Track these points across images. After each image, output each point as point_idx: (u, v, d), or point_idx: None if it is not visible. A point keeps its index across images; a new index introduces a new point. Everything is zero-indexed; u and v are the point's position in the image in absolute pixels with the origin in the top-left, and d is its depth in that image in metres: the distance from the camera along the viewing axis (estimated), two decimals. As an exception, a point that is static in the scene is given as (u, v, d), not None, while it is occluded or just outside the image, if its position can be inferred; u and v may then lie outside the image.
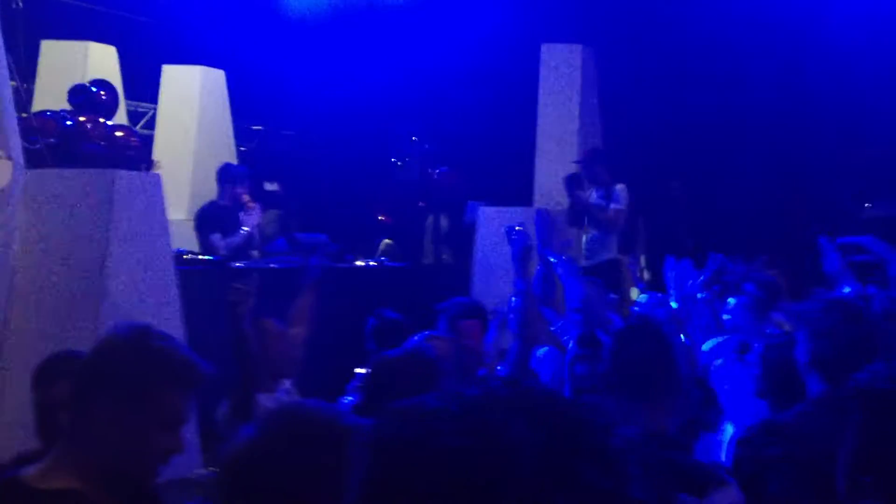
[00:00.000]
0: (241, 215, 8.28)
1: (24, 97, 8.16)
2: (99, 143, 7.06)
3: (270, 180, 11.28)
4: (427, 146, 11.30)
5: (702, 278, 4.59)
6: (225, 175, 8.46)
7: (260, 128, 12.31)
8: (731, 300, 5.20)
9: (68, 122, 6.99)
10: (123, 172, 5.84)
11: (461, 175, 11.01)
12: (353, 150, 12.17)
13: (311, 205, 11.71)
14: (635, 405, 2.88)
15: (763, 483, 2.81)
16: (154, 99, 10.11)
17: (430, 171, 10.97)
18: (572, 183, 8.70)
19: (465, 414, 1.02)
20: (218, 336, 3.74)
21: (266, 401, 3.77)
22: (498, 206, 9.14)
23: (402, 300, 6.19)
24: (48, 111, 7.27)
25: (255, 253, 8.51)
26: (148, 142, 9.31)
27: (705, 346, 4.11)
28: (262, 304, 4.56)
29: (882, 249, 4.15)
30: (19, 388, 4.75)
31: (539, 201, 9.34)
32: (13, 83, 6.52)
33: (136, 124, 10.15)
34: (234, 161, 9.67)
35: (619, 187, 8.68)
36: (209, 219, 8.25)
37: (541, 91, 9.56)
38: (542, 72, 9.57)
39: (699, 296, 4.63)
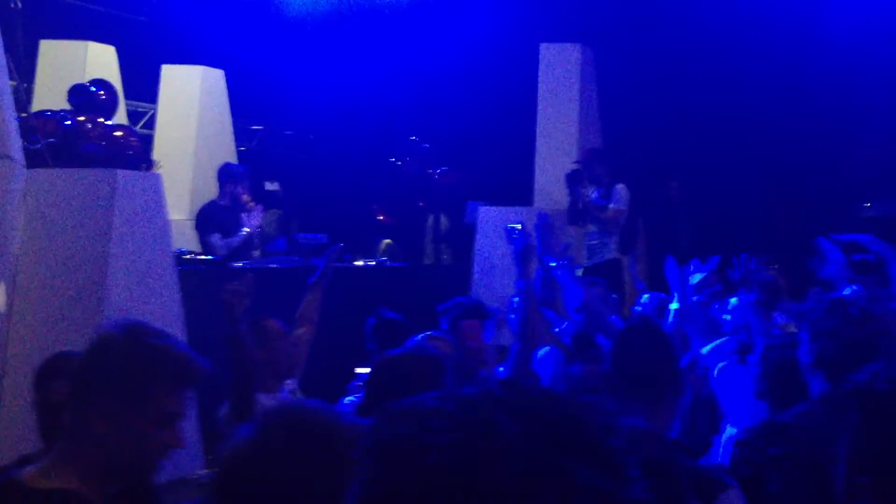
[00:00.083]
0: (244, 216, 8.27)
1: (23, 97, 8.17)
2: (99, 142, 7.05)
3: (270, 180, 11.28)
4: (426, 146, 11.28)
5: (695, 280, 4.58)
6: (225, 174, 8.47)
7: (259, 127, 12.31)
8: (734, 300, 5.20)
9: (68, 122, 6.99)
10: (123, 172, 5.83)
11: (461, 175, 11.00)
12: (352, 150, 12.17)
13: (310, 205, 11.71)
14: (636, 405, 2.89)
15: (763, 483, 2.82)
16: (153, 99, 10.11)
17: (429, 170, 10.96)
18: (574, 180, 8.71)
19: (459, 413, 1.02)
20: (218, 336, 3.73)
21: (268, 401, 3.76)
22: (497, 205, 9.14)
23: (402, 300, 6.19)
24: (48, 111, 7.27)
25: (256, 253, 8.52)
26: (147, 142, 9.31)
27: (704, 350, 4.11)
28: (262, 303, 4.56)
29: (881, 248, 4.15)
30: (20, 387, 4.75)
31: (538, 201, 9.34)
32: (13, 83, 6.52)
33: (135, 124, 10.14)
34: (234, 161, 9.67)
35: (619, 187, 8.68)
36: (209, 219, 8.26)
37: (540, 91, 9.56)
38: (541, 71, 9.57)
39: (694, 298, 4.62)
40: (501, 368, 4.70)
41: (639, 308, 5.80)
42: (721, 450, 3.78)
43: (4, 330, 5.36)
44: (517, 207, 8.95)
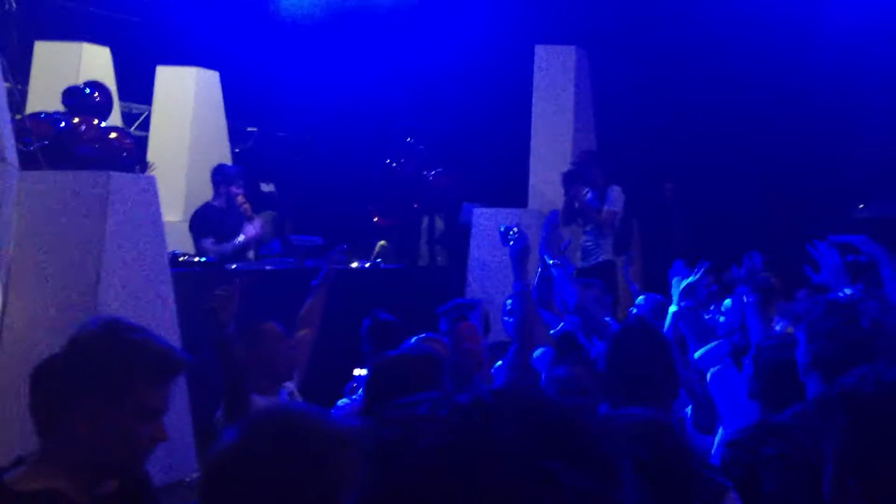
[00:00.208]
0: (248, 226, 8.23)
1: (17, 98, 8.14)
2: (93, 144, 7.04)
3: (265, 182, 11.28)
4: (421, 147, 11.29)
5: (683, 285, 4.58)
6: (219, 175, 8.45)
7: (254, 129, 12.31)
8: (728, 302, 5.21)
9: (62, 124, 6.97)
10: (118, 174, 5.82)
11: (456, 176, 11.01)
12: (347, 152, 12.17)
13: (305, 206, 11.71)
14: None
15: (755, 484, 2.82)
16: (148, 100, 10.10)
17: (424, 172, 10.96)
18: (570, 180, 8.72)
19: (451, 418, 1.03)
20: (212, 338, 3.72)
21: (266, 403, 3.76)
22: (492, 207, 9.15)
23: (397, 302, 6.19)
24: (42, 113, 7.26)
25: (251, 254, 8.51)
26: (142, 143, 9.30)
27: (697, 354, 4.11)
28: (256, 305, 4.55)
29: (873, 249, 4.15)
30: (15, 390, 4.74)
31: (533, 202, 9.36)
32: (7, 84, 6.50)
33: (130, 126, 10.14)
34: (229, 162, 9.66)
35: (614, 189, 8.70)
36: (201, 222, 8.24)
37: (535, 92, 9.58)
38: (536, 73, 9.59)
39: (682, 303, 4.62)
40: (500, 363, 4.71)
41: (634, 310, 5.81)
42: (713, 451, 3.79)
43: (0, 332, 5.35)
44: (512, 209, 8.96)
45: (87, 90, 7.67)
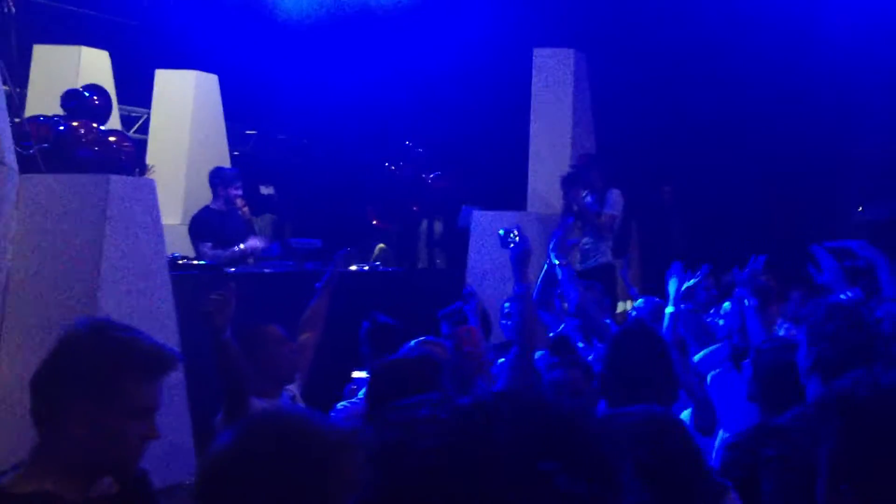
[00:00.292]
0: (251, 237, 8.20)
1: (16, 102, 8.14)
2: (92, 148, 7.04)
3: (264, 185, 11.28)
4: (420, 150, 11.30)
5: (683, 288, 4.59)
6: (216, 178, 8.44)
7: (253, 132, 12.31)
8: (727, 304, 5.21)
9: (61, 128, 6.97)
10: (117, 177, 5.82)
11: (455, 179, 11.01)
12: (346, 155, 12.18)
13: (304, 209, 11.71)
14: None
15: (754, 486, 2.82)
16: (147, 104, 10.10)
17: (423, 175, 10.97)
18: (569, 183, 8.73)
19: (452, 421, 1.03)
20: (210, 342, 3.72)
21: (264, 407, 3.76)
22: (491, 210, 9.15)
23: (396, 304, 6.19)
24: (41, 116, 7.25)
25: (250, 259, 8.49)
26: (141, 147, 9.30)
27: (697, 357, 4.12)
28: (256, 308, 4.55)
29: (871, 254, 4.16)
30: (14, 394, 4.74)
31: (532, 205, 9.36)
32: (6, 88, 6.51)
33: (129, 129, 10.14)
34: (228, 166, 9.66)
35: (613, 192, 8.71)
36: (200, 226, 8.23)
37: (533, 95, 9.58)
38: (535, 76, 9.60)
39: (682, 306, 4.64)
40: (502, 360, 4.71)
41: (633, 312, 5.81)
42: (714, 453, 3.79)
43: (-3, 336, 5.35)
44: (511, 212, 8.97)
45: (86, 93, 7.67)
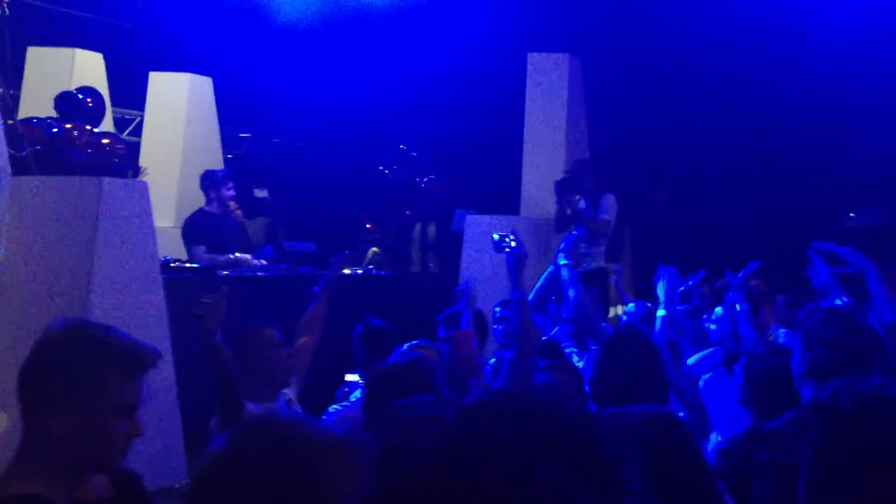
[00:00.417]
0: (252, 257, 8.16)
1: (10, 104, 8.13)
2: (85, 150, 7.03)
3: (258, 188, 11.27)
4: (414, 154, 11.31)
5: (681, 290, 4.61)
6: (207, 181, 8.42)
7: (247, 135, 12.30)
8: (719, 309, 5.22)
9: (55, 130, 6.97)
10: (109, 180, 5.81)
11: (448, 183, 11.02)
12: (340, 158, 12.18)
13: (298, 212, 11.70)
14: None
15: (748, 491, 2.83)
16: (141, 106, 10.09)
17: (417, 179, 10.98)
18: (563, 188, 8.74)
19: (456, 420, 1.03)
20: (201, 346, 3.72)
21: (263, 411, 3.75)
22: (485, 214, 9.16)
23: (389, 308, 6.19)
24: (34, 118, 7.25)
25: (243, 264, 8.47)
26: (134, 149, 9.28)
27: (691, 360, 4.13)
28: (248, 311, 4.55)
29: (859, 261, 4.17)
30: (5, 396, 4.72)
31: (525, 209, 9.37)
32: (-1, 90, 6.50)
33: (122, 131, 10.13)
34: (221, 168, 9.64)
35: (607, 198, 8.71)
36: (194, 229, 8.21)
37: (528, 100, 9.60)
38: (529, 81, 9.61)
39: (679, 308, 4.65)
40: (493, 360, 4.71)
41: (624, 317, 5.82)
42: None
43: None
44: (504, 216, 8.98)
45: (80, 96, 7.66)
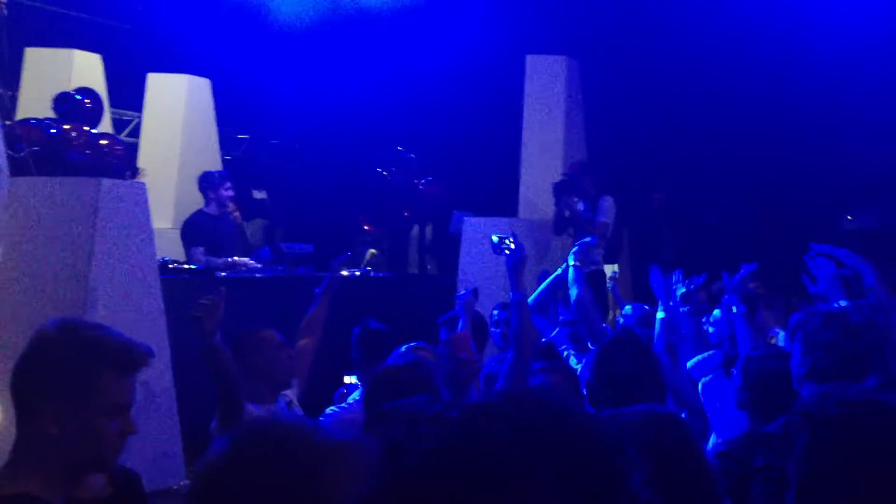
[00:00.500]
0: (250, 259, 8.15)
1: (8, 105, 8.14)
2: (83, 151, 7.03)
3: (257, 189, 11.27)
4: (412, 156, 11.31)
5: (682, 291, 4.61)
6: (205, 182, 8.42)
7: (246, 136, 12.30)
8: (717, 312, 5.23)
9: (53, 131, 6.96)
10: (108, 181, 5.81)
11: (446, 185, 11.02)
12: (338, 160, 12.17)
13: (296, 214, 11.70)
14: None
15: (745, 493, 2.83)
16: (139, 107, 10.08)
17: (415, 180, 10.98)
18: (561, 190, 8.74)
19: (454, 420, 1.03)
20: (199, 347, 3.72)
21: (263, 412, 3.75)
22: (483, 216, 9.16)
23: (387, 310, 6.19)
24: (32, 119, 7.24)
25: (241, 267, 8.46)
26: (132, 150, 9.28)
27: (690, 363, 4.12)
28: (245, 312, 4.55)
29: (856, 262, 4.17)
30: (2, 397, 4.71)
31: (523, 211, 9.38)
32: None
33: (120, 132, 10.12)
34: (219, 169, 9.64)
35: (606, 200, 8.72)
36: (192, 231, 8.21)
37: (526, 102, 9.61)
38: (527, 83, 9.62)
39: (681, 309, 4.65)
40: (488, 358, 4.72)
41: (621, 319, 5.83)
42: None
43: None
44: (502, 218, 8.98)
45: (78, 97, 7.66)
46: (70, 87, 8.24)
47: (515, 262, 4.03)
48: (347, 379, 5.18)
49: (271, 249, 8.73)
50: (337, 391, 5.14)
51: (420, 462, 1.00)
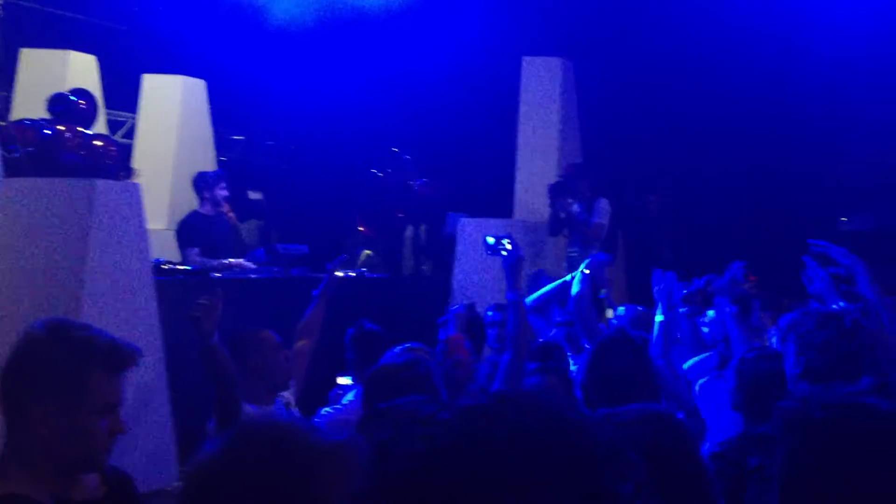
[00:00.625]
0: (245, 261, 8.14)
1: (2, 105, 8.13)
2: (78, 152, 7.02)
3: (252, 190, 11.26)
4: (408, 157, 11.31)
5: (684, 292, 4.62)
6: (200, 183, 8.40)
7: (241, 138, 12.29)
8: (711, 313, 5.22)
9: (47, 131, 6.95)
10: (102, 181, 5.81)
11: (442, 186, 11.03)
12: (333, 161, 12.17)
13: (291, 215, 11.69)
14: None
15: (739, 494, 2.83)
16: (134, 108, 10.07)
17: (410, 182, 10.98)
18: (556, 192, 8.75)
19: (449, 420, 1.03)
20: (197, 347, 3.71)
21: (260, 413, 3.75)
22: (478, 217, 9.17)
23: (381, 311, 6.18)
24: (27, 120, 7.23)
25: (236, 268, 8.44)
26: (127, 151, 9.26)
27: (686, 365, 4.13)
28: (241, 313, 4.54)
29: (851, 262, 4.17)
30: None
31: (519, 213, 9.38)
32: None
33: (115, 133, 10.11)
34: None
35: (601, 202, 8.73)
36: (187, 231, 8.19)
37: (521, 103, 9.61)
38: (523, 84, 9.62)
39: (681, 310, 4.66)
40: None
41: (615, 320, 5.83)
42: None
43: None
44: (497, 219, 8.98)
45: (73, 97, 7.64)
46: (65, 87, 8.22)
47: (512, 263, 4.03)
48: (342, 380, 5.18)
49: (266, 250, 8.72)
50: (332, 392, 5.14)
51: (410, 465, 1.00)
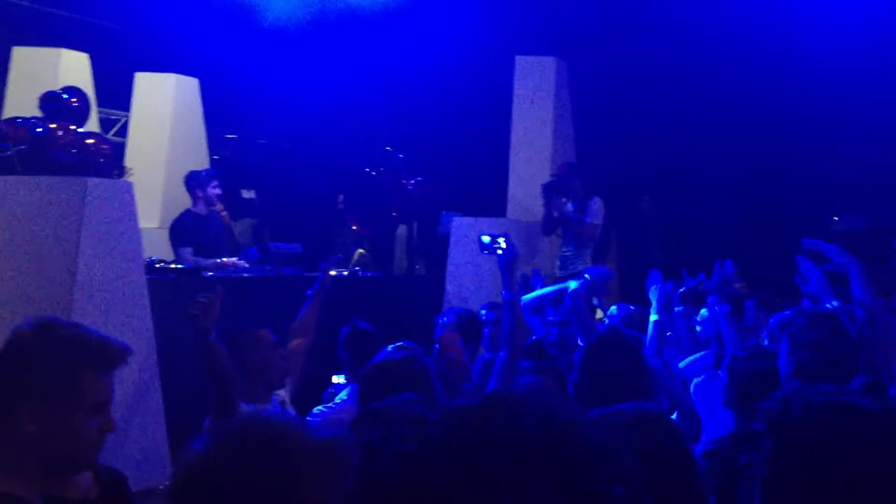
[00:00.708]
0: (238, 260, 8.12)
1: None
2: (70, 150, 6.98)
3: (245, 188, 11.24)
4: (401, 156, 11.31)
5: (681, 291, 4.62)
6: (193, 181, 8.38)
7: (234, 136, 12.28)
8: (704, 311, 5.24)
9: (39, 130, 6.92)
10: (94, 180, 5.79)
11: (435, 185, 11.03)
12: (326, 160, 12.17)
13: (284, 214, 11.69)
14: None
15: (731, 492, 2.83)
16: (126, 107, 10.05)
17: (403, 181, 10.97)
18: (550, 191, 8.75)
19: (436, 421, 1.03)
20: (190, 346, 3.71)
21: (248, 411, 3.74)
22: (471, 216, 9.17)
23: (375, 310, 6.18)
24: (19, 118, 7.19)
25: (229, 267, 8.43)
26: (120, 150, 9.24)
27: (682, 364, 4.14)
28: (234, 313, 4.53)
29: (844, 259, 4.17)
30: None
31: (512, 212, 9.38)
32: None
33: (108, 132, 10.09)
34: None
35: (595, 201, 8.73)
36: (180, 230, 8.18)
37: (515, 103, 9.61)
38: (516, 84, 9.63)
39: (676, 309, 4.67)
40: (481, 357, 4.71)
41: (606, 320, 5.83)
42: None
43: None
44: (490, 218, 8.99)
45: (65, 96, 7.62)
46: (57, 85, 8.20)
47: (508, 262, 4.03)
48: (335, 379, 5.18)
49: (260, 249, 8.71)
50: (326, 391, 5.14)
51: (402, 464, 1.00)
